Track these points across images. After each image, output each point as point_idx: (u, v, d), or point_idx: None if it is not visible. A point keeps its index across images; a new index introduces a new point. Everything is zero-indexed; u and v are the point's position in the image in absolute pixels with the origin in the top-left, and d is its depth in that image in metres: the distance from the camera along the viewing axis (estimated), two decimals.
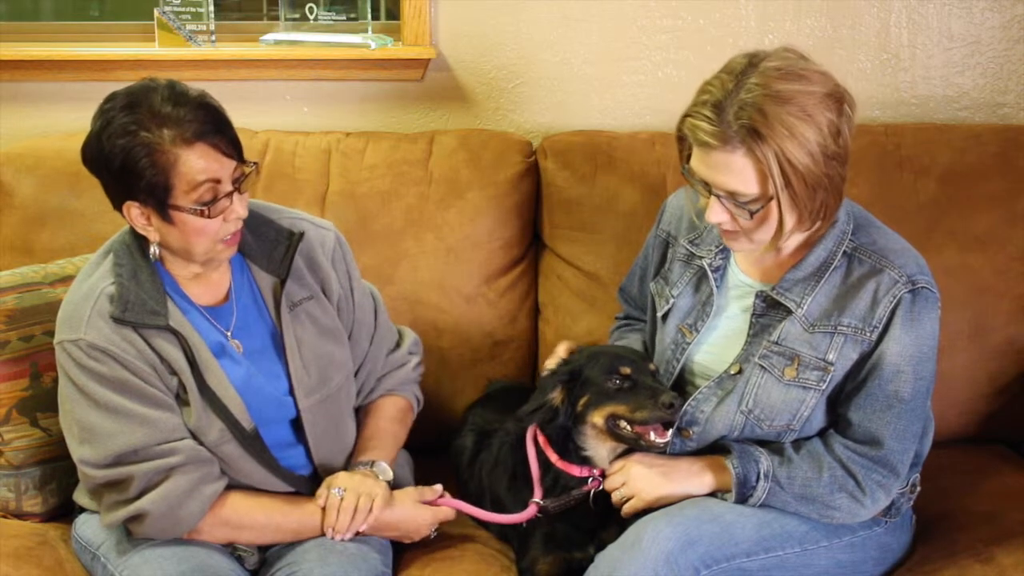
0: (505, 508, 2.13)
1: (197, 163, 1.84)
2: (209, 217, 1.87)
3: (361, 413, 2.20)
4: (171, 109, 1.83)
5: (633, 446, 2.02)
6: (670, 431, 1.99)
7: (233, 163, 1.89)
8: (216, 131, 1.86)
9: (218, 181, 1.86)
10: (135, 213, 1.90)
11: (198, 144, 1.84)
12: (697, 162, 1.88)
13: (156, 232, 1.91)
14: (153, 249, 1.94)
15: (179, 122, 1.83)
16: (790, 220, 1.88)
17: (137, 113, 1.83)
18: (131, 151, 1.83)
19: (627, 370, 2.01)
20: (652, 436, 1.98)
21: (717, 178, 1.86)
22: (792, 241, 1.99)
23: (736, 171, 1.83)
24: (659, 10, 2.79)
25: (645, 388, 1.99)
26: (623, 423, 1.99)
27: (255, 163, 1.95)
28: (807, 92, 1.82)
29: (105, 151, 1.85)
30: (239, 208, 1.91)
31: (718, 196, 1.87)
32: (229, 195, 1.88)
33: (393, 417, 2.21)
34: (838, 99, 1.85)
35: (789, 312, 1.96)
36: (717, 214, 1.89)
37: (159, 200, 1.86)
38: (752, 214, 1.86)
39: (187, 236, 1.89)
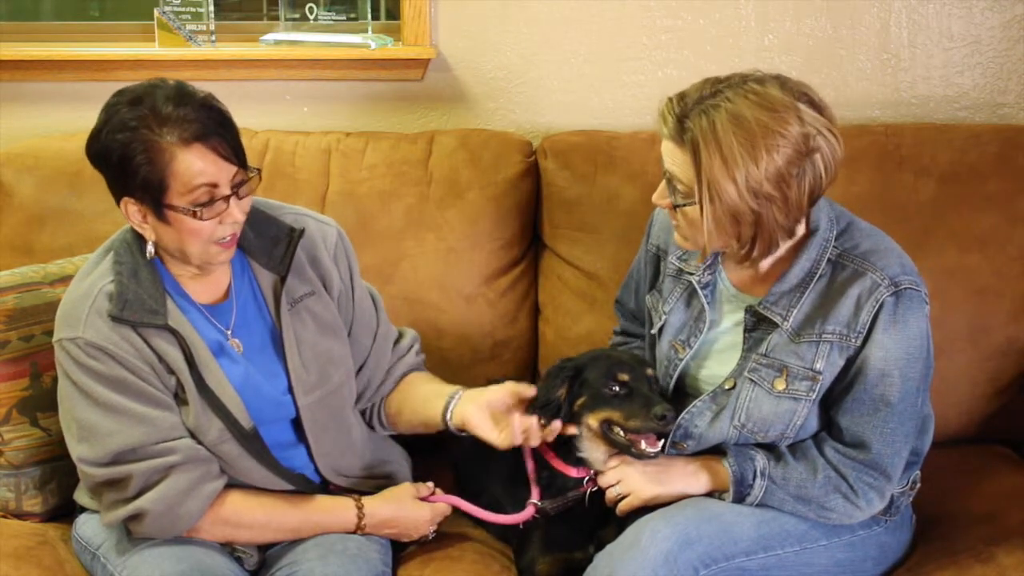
0: (503, 509, 2.13)
1: (194, 164, 1.83)
2: (202, 219, 1.86)
3: (395, 401, 2.20)
4: (172, 108, 1.83)
5: (624, 450, 2.02)
6: (662, 441, 1.99)
7: (233, 168, 1.88)
8: (216, 134, 1.85)
9: (215, 185, 1.86)
10: (132, 210, 1.89)
11: (196, 145, 1.83)
12: (663, 143, 1.92)
13: (152, 230, 1.91)
14: (149, 247, 1.94)
15: (180, 122, 1.82)
16: (715, 235, 1.88)
17: (140, 110, 1.83)
18: (129, 146, 1.83)
19: (625, 376, 2.01)
20: (643, 445, 1.98)
21: (666, 159, 1.91)
22: (770, 256, 1.99)
23: (677, 161, 1.88)
24: (659, 10, 2.79)
25: (640, 397, 2.00)
26: (617, 428, 2.00)
27: (258, 170, 1.94)
28: (767, 129, 1.81)
29: (105, 145, 1.86)
30: (236, 212, 1.89)
31: (666, 178, 1.92)
32: (226, 199, 1.88)
33: (432, 378, 2.23)
34: (804, 152, 1.84)
35: (777, 325, 1.96)
36: (660, 197, 1.95)
37: (154, 198, 1.85)
38: (676, 207, 1.90)
39: (181, 236, 1.89)
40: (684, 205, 1.89)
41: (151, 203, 1.86)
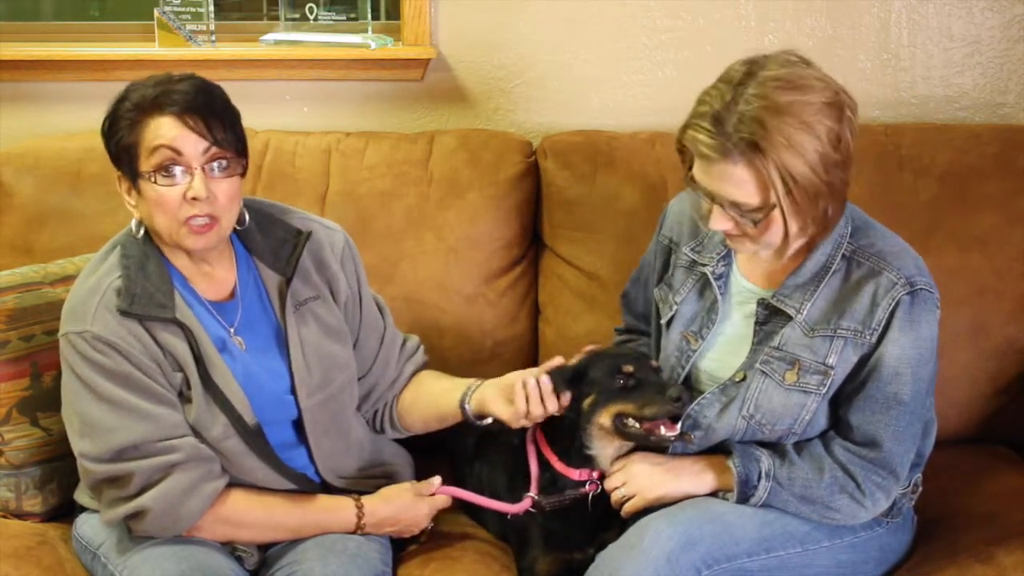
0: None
1: (159, 129, 1.86)
2: (158, 185, 1.87)
3: (407, 397, 2.21)
4: (166, 85, 1.88)
5: (642, 443, 2.01)
6: (679, 423, 1.98)
7: (204, 143, 1.88)
8: (195, 110, 1.87)
9: (178, 152, 1.86)
10: (124, 187, 1.94)
11: (172, 115, 1.86)
12: (700, 173, 1.88)
13: (136, 207, 1.94)
14: (133, 225, 1.97)
15: (166, 94, 1.87)
16: (794, 226, 1.87)
17: (141, 89, 1.89)
18: (117, 115, 1.89)
19: (631, 368, 2.01)
20: (662, 430, 1.97)
21: (719, 189, 1.86)
22: (792, 245, 1.99)
23: (737, 182, 1.83)
24: (659, 10, 2.79)
25: (651, 384, 1.99)
26: (630, 421, 1.99)
27: (228, 156, 1.91)
28: (806, 102, 1.81)
29: (105, 123, 1.92)
30: (200, 187, 1.87)
31: (721, 205, 1.87)
32: (189, 171, 1.88)
33: (441, 374, 2.24)
34: (838, 106, 1.85)
35: (790, 318, 1.96)
36: (720, 223, 1.90)
37: (130, 166, 1.89)
38: (756, 223, 1.86)
39: (149, 208, 1.90)
40: (762, 218, 1.85)
41: (128, 172, 1.90)
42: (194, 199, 1.87)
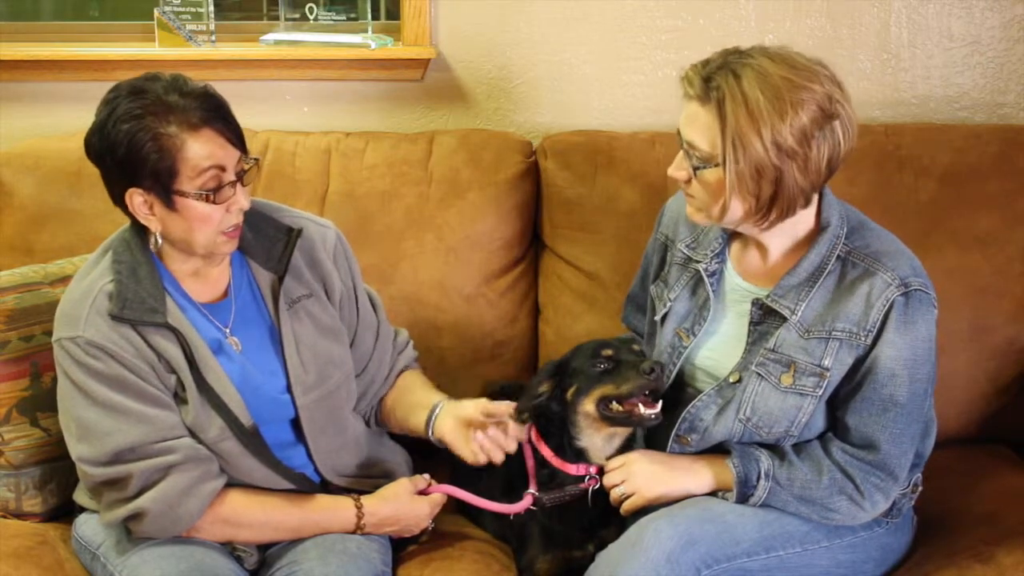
0: None
1: (203, 148, 1.84)
2: (214, 203, 1.87)
3: (390, 399, 2.22)
4: (177, 97, 1.84)
5: (626, 424, 2.02)
6: (660, 403, 1.98)
7: (237, 153, 1.89)
8: (221, 118, 1.87)
9: (223, 169, 1.87)
10: (138, 201, 1.88)
11: (204, 129, 1.84)
12: (681, 115, 1.92)
13: (158, 222, 1.91)
14: (157, 239, 1.93)
15: (184, 109, 1.84)
16: (736, 200, 1.88)
17: (144, 99, 1.84)
18: (136, 135, 1.83)
19: (609, 352, 2.02)
20: (641, 408, 1.97)
21: (685, 128, 1.90)
22: (780, 244, 1.99)
23: (698, 125, 1.87)
24: (659, 10, 2.79)
25: (627, 363, 1.99)
26: (613, 404, 1.99)
27: (256, 159, 1.95)
28: (793, 84, 1.83)
29: (110, 137, 1.85)
30: (242, 199, 1.91)
31: (683, 148, 1.91)
32: (233, 184, 1.89)
33: (424, 382, 2.25)
34: (827, 114, 1.85)
35: (785, 319, 1.96)
36: (677, 168, 1.94)
37: (164, 185, 1.85)
38: (696, 171, 1.89)
39: (190, 224, 1.89)
40: (704, 168, 1.88)
41: (160, 191, 1.86)
42: (239, 210, 1.90)
